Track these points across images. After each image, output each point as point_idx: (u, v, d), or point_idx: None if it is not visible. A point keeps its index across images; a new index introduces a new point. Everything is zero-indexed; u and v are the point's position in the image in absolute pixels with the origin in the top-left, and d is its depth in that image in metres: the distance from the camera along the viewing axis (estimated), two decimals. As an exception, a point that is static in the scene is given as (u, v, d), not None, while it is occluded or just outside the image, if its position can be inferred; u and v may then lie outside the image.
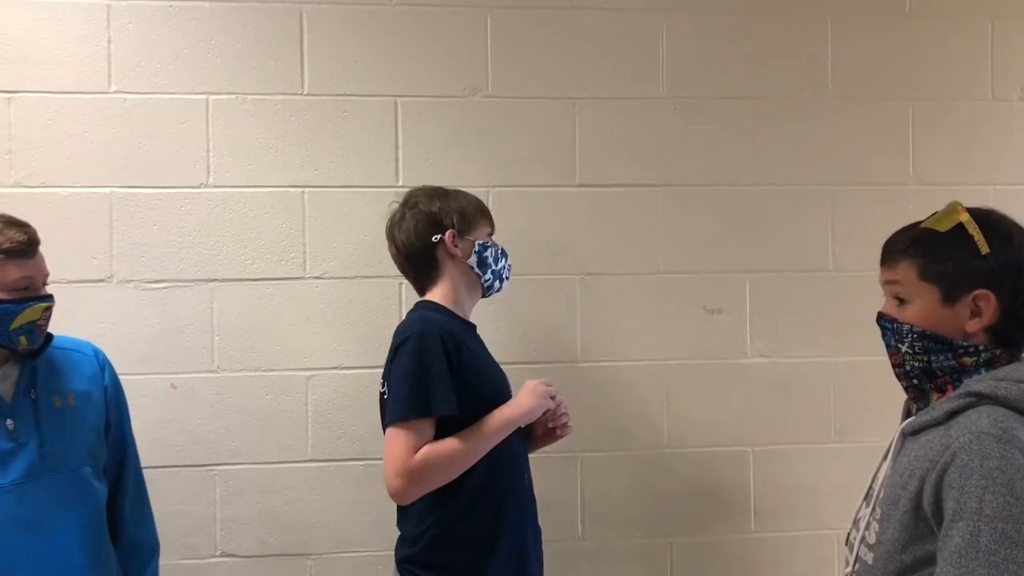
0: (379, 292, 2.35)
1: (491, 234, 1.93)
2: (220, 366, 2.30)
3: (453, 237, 1.87)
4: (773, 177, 2.48)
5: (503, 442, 1.79)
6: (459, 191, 1.95)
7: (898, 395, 2.33)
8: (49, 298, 1.75)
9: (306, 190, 2.33)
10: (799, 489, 2.47)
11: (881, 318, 1.49)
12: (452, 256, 1.87)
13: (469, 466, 1.73)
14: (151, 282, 2.28)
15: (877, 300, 2.38)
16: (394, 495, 1.72)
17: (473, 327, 1.94)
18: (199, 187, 2.30)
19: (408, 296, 2.33)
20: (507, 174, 2.35)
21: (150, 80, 2.29)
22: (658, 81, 2.45)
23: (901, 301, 1.45)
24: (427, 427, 1.71)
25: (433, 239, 1.86)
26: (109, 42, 2.28)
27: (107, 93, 2.28)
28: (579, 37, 2.42)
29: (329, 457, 2.32)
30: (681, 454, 2.44)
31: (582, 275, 2.42)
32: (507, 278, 1.95)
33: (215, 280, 2.30)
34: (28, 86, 2.25)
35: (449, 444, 1.71)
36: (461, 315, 1.90)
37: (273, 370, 2.31)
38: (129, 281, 2.28)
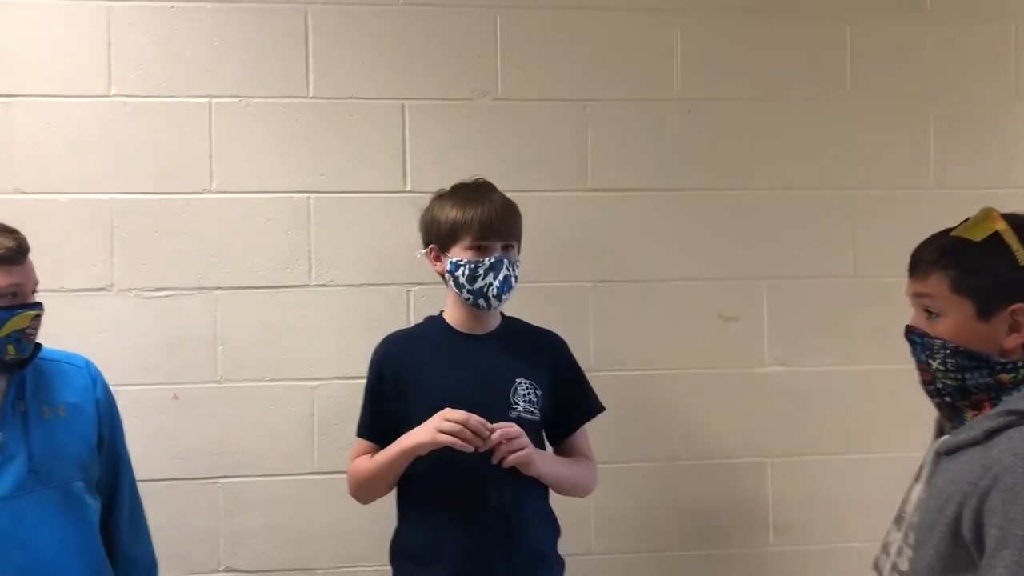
0: (387, 300, 2.29)
1: (480, 247, 1.79)
2: (224, 376, 2.25)
3: (432, 252, 1.85)
4: (791, 181, 2.42)
5: (454, 459, 1.70)
6: (460, 196, 1.85)
7: (921, 405, 2.27)
8: (38, 306, 1.69)
9: (312, 195, 2.28)
10: (818, 501, 2.41)
11: (910, 332, 1.42)
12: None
13: (382, 486, 1.83)
14: (153, 291, 2.23)
15: (898, 307, 2.31)
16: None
17: (475, 337, 1.86)
18: (202, 193, 2.25)
19: (416, 304, 2.29)
20: (517, 178, 2.28)
21: (151, 83, 2.23)
22: (672, 82, 2.39)
23: (931, 314, 1.38)
24: (360, 443, 1.88)
25: (417, 254, 1.89)
26: (109, 44, 2.23)
27: (107, 97, 2.22)
28: (591, 38, 2.36)
29: (335, 469, 2.24)
30: (697, 465, 2.38)
31: (594, 282, 2.36)
32: (495, 295, 1.79)
33: (218, 288, 2.25)
34: (26, 90, 2.20)
35: (362, 463, 1.84)
36: (457, 325, 1.86)
37: (278, 380, 2.26)
38: (130, 290, 2.22)
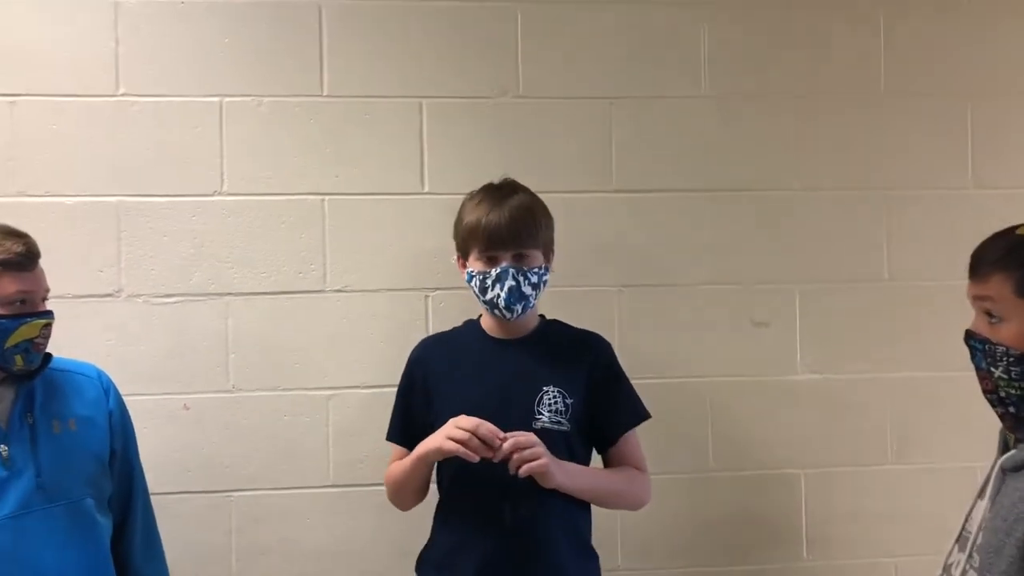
0: (405, 306, 2.23)
1: (489, 258, 1.73)
2: (235, 385, 2.19)
3: (460, 260, 1.82)
4: (823, 181, 2.35)
5: (472, 470, 1.66)
6: (477, 200, 1.79)
7: (963, 413, 2.22)
8: (48, 314, 1.63)
9: (326, 198, 2.22)
10: (855, 515, 2.34)
11: (970, 337, 1.34)
12: None
13: (409, 491, 1.81)
14: (162, 296, 2.17)
15: (935, 311, 2.30)
16: None
17: (505, 343, 1.81)
18: (212, 195, 2.19)
19: (435, 310, 2.23)
20: (539, 179, 2.19)
21: (160, 82, 2.18)
22: (700, 79, 2.33)
23: (993, 318, 1.30)
24: (394, 448, 1.86)
25: (452, 260, 1.87)
26: (117, 42, 2.17)
27: (115, 96, 2.17)
28: (615, 33, 2.30)
29: (351, 482, 2.21)
30: (727, 477, 2.32)
31: (620, 286, 2.29)
32: (505, 307, 1.73)
33: (230, 294, 2.19)
34: (31, 89, 2.15)
35: (394, 468, 1.83)
36: (489, 330, 1.82)
37: (291, 390, 2.20)
38: (138, 296, 2.17)
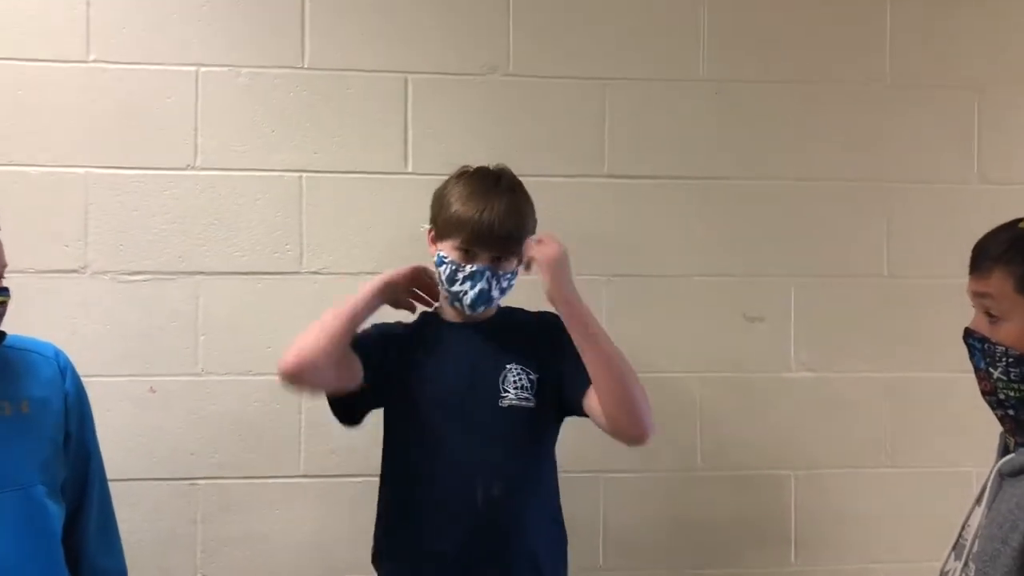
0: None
1: (467, 251, 1.70)
2: (204, 369, 2.14)
3: (431, 234, 1.77)
4: (823, 172, 2.32)
5: (438, 451, 1.67)
6: (470, 188, 1.73)
7: (963, 416, 2.19)
8: (3, 291, 1.57)
9: (304, 175, 2.17)
10: (846, 518, 2.31)
11: (969, 335, 1.30)
12: None
13: (335, 337, 1.65)
14: (130, 274, 2.12)
15: (936, 309, 2.26)
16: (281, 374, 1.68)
17: (466, 327, 1.77)
18: (185, 169, 2.14)
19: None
20: (528, 162, 2.15)
21: (133, 49, 2.13)
22: (697, 62, 2.29)
23: (993, 317, 1.26)
24: None
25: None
26: (88, 5, 2.11)
27: (85, 62, 2.11)
28: (611, 12, 2.26)
29: (324, 473, 2.17)
30: (715, 477, 2.28)
31: (608, 276, 2.25)
32: (469, 305, 1.71)
33: (201, 273, 2.14)
34: (-4, 53, 2.08)
35: (319, 322, 1.69)
36: (447, 316, 1.79)
37: (263, 374, 2.14)
38: (105, 272, 2.12)
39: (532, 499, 1.75)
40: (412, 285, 1.79)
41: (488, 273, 1.71)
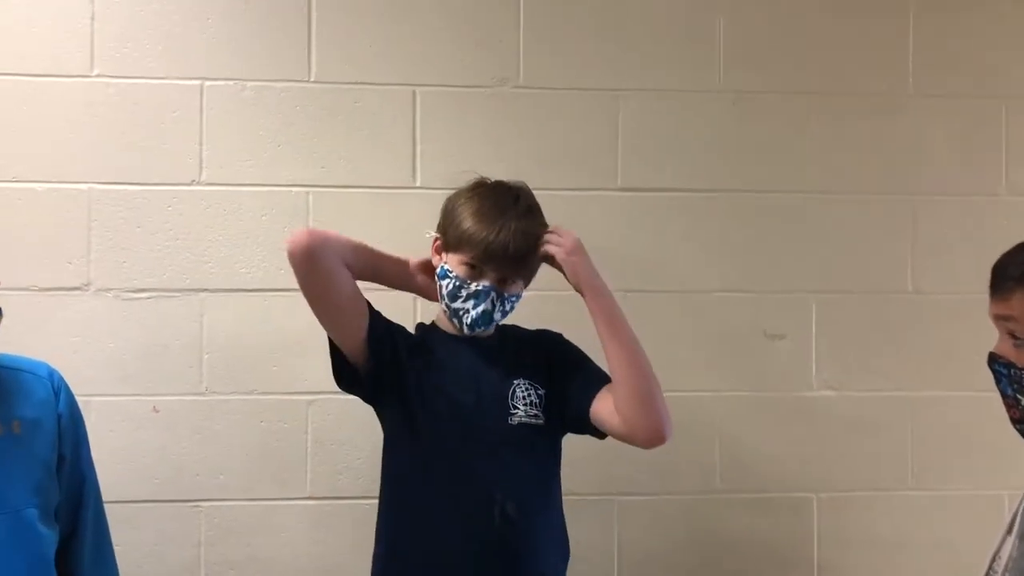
0: (392, 306, 2.08)
1: (474, 268, 1.66)
2: (209, 388, 2.13)
3: (437, 243, 1.74)
4: (844, 185, 2.29)
5: (456, 461, 1.64)
6: (485, 204, 1.69)
7: (992, 437, 2.09)
8: (-4, 311, 1.55)
9: (311, 190, 2.16)
10: (870, 543, 2.27)
11: (994, 361, 1.25)
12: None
13: (355, 252, 1.69)
14: (133, 291, 2.11)
15: (963, 326, 2.19)
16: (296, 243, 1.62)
17: (468, 339, 1.72)
18: (190, 184, 2.13)
19: (424, 310, 2.14)
20: (539, 175, 2.13)
21: (138, 63, 2.12)
22: (714, 72, 2.26)
23: (1019, 340, 1.22)
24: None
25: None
26: (92, 19, 2.11)
27: (89, 77, 2.11)
28: (624, 21, 2.24)
29: (330, 495, 2.15)
30: (735, 499, 2.25)
31: (623, 292, 2.14)
32: (468, 325, 1.67)
33: (205, 290, 2.13)
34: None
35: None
36: (449, 328, 1.74)
37: (269, 394, 2.14)
38: (108, 290, 2.11)
39: (543, 519, 1.71)
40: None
41: (493, 294, 1.67)
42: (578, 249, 1.66)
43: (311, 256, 1.60)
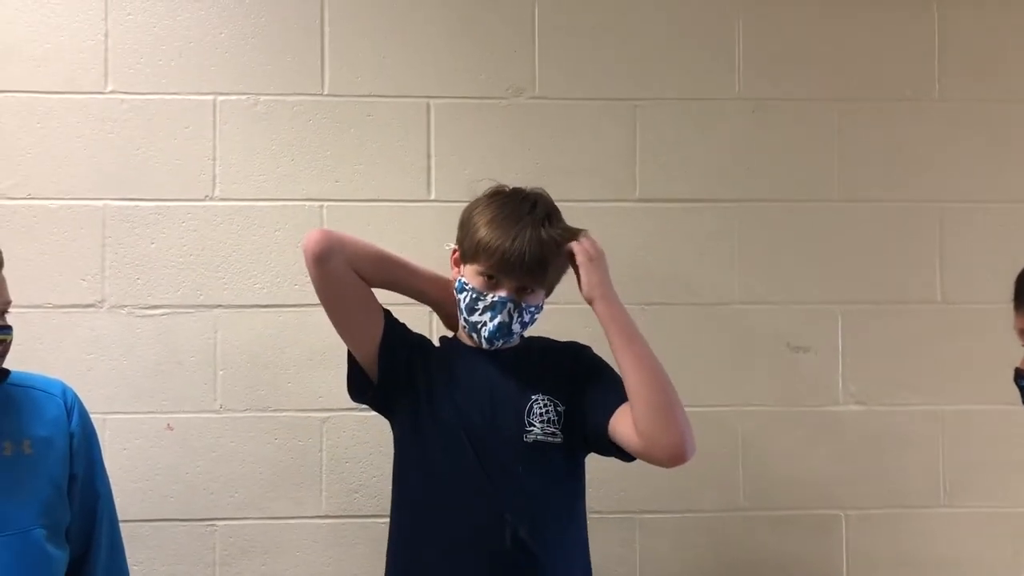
0: (407, 321, 2.05)
1: (491, 278, 1.63)
2: (223, 405, 2.12)
3: (455, 255, 1.71)
4: (869, 193, 2.25)
5: (466, 481, 1.59)
6: (501, 212, 1.65)
7: (1023, 452, 2.09)
8: (6, 330, 1.54)
9: (325, 204, 2.16)
10: (901, 562, 2.22)
11: (1020, 376, 1.21)
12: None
13: (370, 259, 1.67)
14: (147, 308, 2.11)
15: (994, 337, 2.13)
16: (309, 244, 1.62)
17: (488, 353, 1.69)
18: (203, 200, 2.13)
19: (440, 325, 2.10)
20: (556, 187, 2.07)
21: (151, 79, 2.14)
22: (733, 80, 2.24)
23: None
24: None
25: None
26: (106, 36, 2.13)
27: (103, 93, 2.12)
28: (641, 29, 2.23)
29: (346, 513, 2.14)
30: (759, 517, 2.21)
31: (643, 305, 2.18)
32: (487, 338, 1.64)
33: (220, 307, 2.13)
34: (14, 85, 2.11)
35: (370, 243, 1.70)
36: (470, 342, 1.71)
37: (284, 411, 2.13)
38: (122, 306, 2.11)
39: (559, 543, 1.65)
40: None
41: (510, 305, 1.63)
42: (600, 257, 1.64)
43: (321, 257, 1.60)
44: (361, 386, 1.70)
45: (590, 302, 1.63)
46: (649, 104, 2.21)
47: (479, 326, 1.64)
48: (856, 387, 2.22)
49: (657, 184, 2.21)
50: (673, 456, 1.56)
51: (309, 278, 2.15)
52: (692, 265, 2.21)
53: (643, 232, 2.20)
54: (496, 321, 1.63)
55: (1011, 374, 1.43)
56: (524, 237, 1.61)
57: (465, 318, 1.66)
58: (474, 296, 1.64)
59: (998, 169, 2.27)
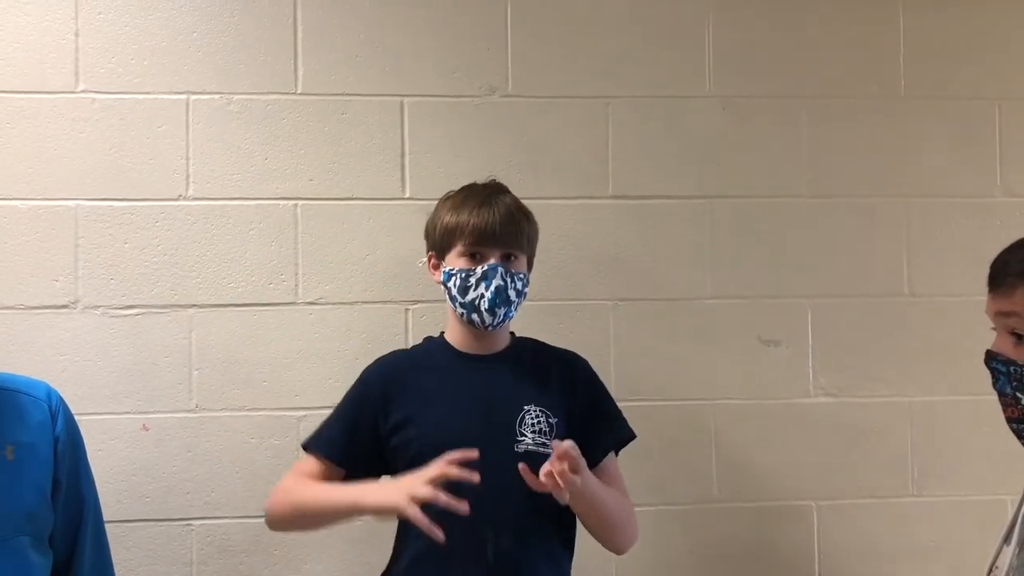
0: (382, 320, 2.16)
1: (474, 254, 1.66)
2: (199, 405, 2.11)
3: (431, 260, 1.74)
4: (838, 188, 2.28)
5: (451, 492, 1.54)
6: (461, 197, 1.73)
7: (992, 441, 2.11)
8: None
9: (299, 203, 2.15)
10: (872, 551, 2.25)
11: (992, 358, 1.23)
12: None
13: (312, 524, 1.75)
14: (121, 308, 2.10)
15: (961, 328, 2.20)
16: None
17: (477, 358, 1.72)
18: (177, 200, 2.12)
19: (416, 324, 2.15)
20: (529, 184, 2.15)
21: (123, 78, 2.12)
22: (704, 77, 2.26)
23: (1020, 337, 1.19)
24: (311, 462, 1.71)
25: (420, 263, 1.79)
26: (76, 35, 2.11)
27: (73, 93, 2.11)
28: (613, 28, 2.23)
29: None
30: (732, 509, 2.23)
31: (615, 301, 2.21)
32: (487, 309, 1.65)
33: (194, 306, 2.12)
34: (-17, 85, 2.11)
35: (306, 486, 1.68)
36: (459, 346, 1.73)
37: (260, 410, 2.12)
38: (96, 307, 2.10)
39: (546, 554, 1.68)
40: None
41: (501, 270, 1.66)
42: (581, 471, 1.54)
43: (278, 528, 1.78)
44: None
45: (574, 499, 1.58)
46: (621, 102, 2.23)
47: (477, 301, 1.65)
48: (826, 379, 2.25)
49: (629, 181, 2.23)
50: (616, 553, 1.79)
51: (284, 277, 2.17)
52: (664, 261, 2.23)
53: (616, 228, 2.22)
54: (493, 287, 1.64)
55: (978, 364, 1.44)
56: (492, 205, 1.68)
57: (460, 303, 1.67)
58: (464, 275, 1.65)
59: (963, 164, 2.30)
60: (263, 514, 1.75)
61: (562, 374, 1.74)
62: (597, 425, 1.72)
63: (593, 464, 1.68)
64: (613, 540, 1.74)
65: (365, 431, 1.70)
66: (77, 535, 1.61)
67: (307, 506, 1.67)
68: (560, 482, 1.48)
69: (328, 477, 1.69)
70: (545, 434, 1.66)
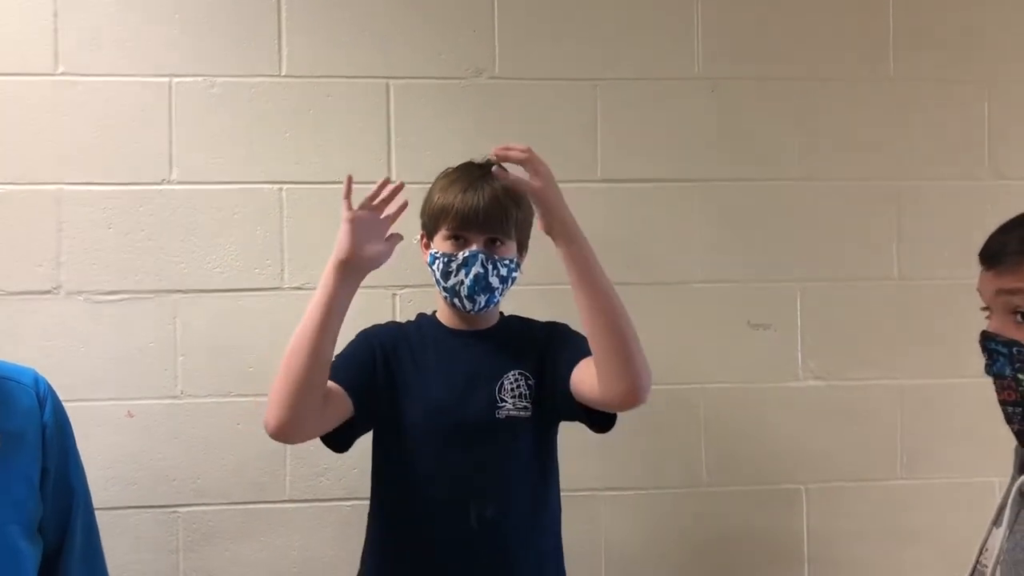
0: (370, 305, 2.12)
1: (457, 238, 1.64)
2: (184, 391, 2.11)
3: (423, 239, 1.73)
4: (827, 172, 2.27)
5: (434, 462, 1.60)
6: (452, 177, 1.69)
7: (981, 424, 2.11)
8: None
9: (284, 187, 2.14)
10: (861, 534, 2.26)
11: (989, 339, 1.20)
12: None
13: (306, 359, 1.52)
14: (105, 294, 2.09)
15: (950, 311, 2.20)
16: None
17: (465, 334, 1.71)
18: (160, 184, 2.11)
19: (403, 308, 2.14)
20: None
21: (104, 61, 2.10)
22: (692, 59, 2.24)
23: (1021, 316, 1.16)
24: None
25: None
26: (55, 15, 2.09)
27: (54, 75, 2.09)
28: (601, 9, 2.22)
29: (310, 497, 2.13)
30: (722, 493, 2.23)
31: None
32: (467, 296, 1.63)
33: (179, 292, 2.11)
34: (-39, 67, 2.09)
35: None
36: (448, 323, 1.72)
37: (245, 396, 2.11)
38: (79, 293, 2.09)
39: (530, 523, 1.67)
40: (365, 224, 1.56)
41: (483, 257, 1.63)
42: (552, 179, 1.53)
43: (286, 441, 1.60)
44: (340, 442, 1.66)
45: (549, 227, 1.53)
46: (609, 84, 2.22)
47: (457, 287, 1.64)
48: (815, 363, 2.26)
49: (618, 164, 2.22)
50: (628, 394, 1.51)
51: (269, 261, 2.14)
52: (653, 244, 2.23)
53: (605, 212, 2.21)
54: (471, 274, 1.62)
55: (967, 348, 1.42)
56: (478, 188, 1.64)
57: (443, 287, 1.66)
58: (446, 260, 1.64)
59: (953, 147, 2.31)
60: (265, 427, 1.54)
61: (543, 335, 1.73)
62: (564, 353, 1.64)
63: (566, 378, 1.61)
64: (623, 345, 1.50)
65: (366, 366, 1.66)
66: (67, 523, 1.59)
67: (291, 351, 1.55)
68: (523, 156, 1.49)
69: (334, 403, 1.59)
70: (524, 397, 1.66)
